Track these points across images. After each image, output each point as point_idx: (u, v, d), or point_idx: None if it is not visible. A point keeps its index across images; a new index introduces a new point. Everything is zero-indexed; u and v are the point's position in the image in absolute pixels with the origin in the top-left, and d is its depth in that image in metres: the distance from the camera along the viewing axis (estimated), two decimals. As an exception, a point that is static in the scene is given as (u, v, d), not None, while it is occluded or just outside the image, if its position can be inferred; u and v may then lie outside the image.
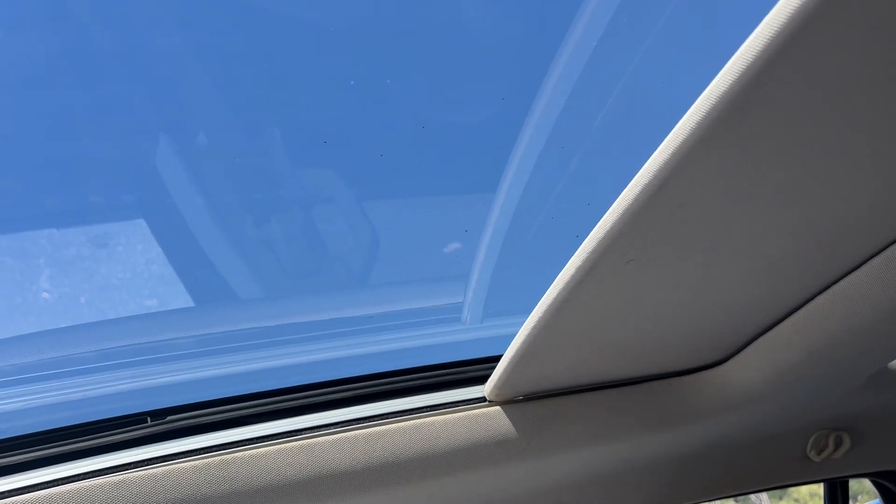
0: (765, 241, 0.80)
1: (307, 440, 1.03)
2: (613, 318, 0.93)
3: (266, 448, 1.02)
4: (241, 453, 1.01)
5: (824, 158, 0.67)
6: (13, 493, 0.95)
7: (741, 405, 1.14)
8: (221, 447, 1.03)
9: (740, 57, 0.54)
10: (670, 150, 0.63)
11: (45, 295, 1.24)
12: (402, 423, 1.06)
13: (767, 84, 0.55)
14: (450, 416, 1.08)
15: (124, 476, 0.97)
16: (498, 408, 1.09)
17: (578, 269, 0.78)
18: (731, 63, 0.55)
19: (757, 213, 0.74)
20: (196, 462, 1.00)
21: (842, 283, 0.91)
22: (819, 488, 1.62)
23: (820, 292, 0.94)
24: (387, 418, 1.07)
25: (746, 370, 1.09)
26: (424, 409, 1.09)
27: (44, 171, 1.19)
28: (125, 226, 1.27)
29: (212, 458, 1.00)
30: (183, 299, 1.34)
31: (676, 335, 1.03)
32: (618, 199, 0.70)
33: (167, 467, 0.99)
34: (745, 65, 0.54)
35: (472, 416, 1.08)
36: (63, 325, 1.29)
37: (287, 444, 1.02)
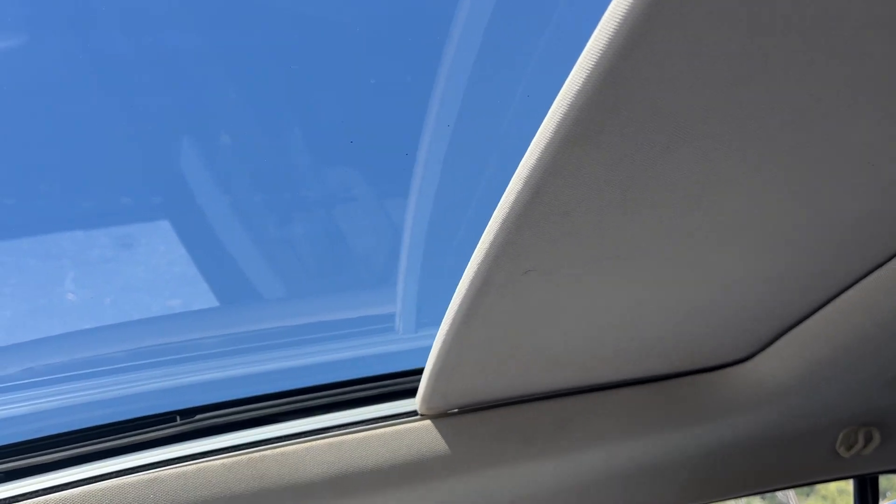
0: (699, 248, 0.79)
1: (333, 438, 1.04)
2: (545, 328, 0.90)
3: (295, 446, 1.03)
4: (270, 451, 1.02)
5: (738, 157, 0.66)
6: (51, 490, 0.97)
7: (769, 401, 1.14)
8: (250, 445, 1.04)
9: (589, 52, 0.52)
10: (536, 156, 0.61)
11: (71, 296, 1.26)
12: (330, 440, 1.04)
13: (628, 83, 0.53)
14: (380, 430, 1.05)
15: (157, 473, 0.99)
16: (429, 422, 1.06)
17: (473, 282, 0.76)
18: (582, 58, 0.53)
19: (673, 219, 0.72)
20: (225, 460, 1.01)
21: (870, 277, 0.91)
22: (848, 485, 1.61)
23: (848, 287, 0.94)
24: (316, 434, 1.05)
25: (774, 366, 1.09)
26: (352, 425, 1.07)
27: (68, 174, 1.20)
28: (149, 227, 1.29)
29: (241, 456, 1.01)
30: (207, 299, 1.36)
31: (692, 333, 1.02)
32: (496, 210, 0.68)
33: (197, 465, 1.00)
34: (595, 60, 0.51)
35: (403, 430, 1.05)
36: (91, 326, 1.31)
37: (316, 442, 1.03)
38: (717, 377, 1.14)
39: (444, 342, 0.88)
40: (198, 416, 1.10)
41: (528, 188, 0.63)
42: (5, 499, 0.97)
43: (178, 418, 1.09)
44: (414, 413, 1.07)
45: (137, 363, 1.26)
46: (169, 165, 1.22)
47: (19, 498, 0.97)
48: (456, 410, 1.08)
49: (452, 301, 0.82)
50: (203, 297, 1.36)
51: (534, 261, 0.74)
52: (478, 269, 0.74)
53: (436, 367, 0.94)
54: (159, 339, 1.29)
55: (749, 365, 1.12)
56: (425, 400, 1.03)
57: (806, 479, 1.36)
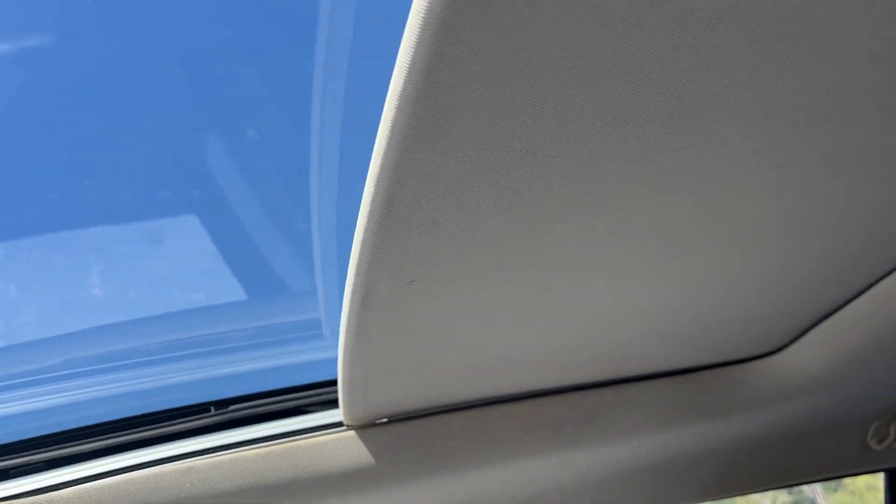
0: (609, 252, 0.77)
1: (260, 449, 1.04)
2: (460, 338, 0.89)
3: (328, 436, 1.04)
4: (303, 441, 1.03)
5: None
6: (90, 478, 1.00)
7: (799, 393, 1.13)
8: (284, 435, 1.05)
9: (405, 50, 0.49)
10: (379, 162, 0.58)
11: (97, 291, 1.28)
12: (258, 451, 1.03)
13: (450, 83, 0.51)
14: (305, 441, 1.04)
15: (192, 463, 1.01)
16: (353, 433, 1.05)
17: (354, 294, 0.74)
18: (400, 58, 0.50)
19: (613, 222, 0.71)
20: (259, 450, 1.03)
21: (904, 267, 0.90)
22: (876, 480, 1.59)
23: (880, 279, 0.93)
24: (239, 447, 1.04)
25: (805, 358, 1.08)
26: (278, 437, 1.05)
27: (96, 170, 1.22)
28: (176, 221, 1.30)
29: (275, 447, 1.03)
30: (235, 293, 1.37)
31: (721, 326, 1.02)
32: (358, 218, 0.66)
33: (233, 455, 1.02)
34: (410, 56, 0.48)
35: (329, 441, 1.04)
36: (124, 320, 1.33)
37: (346, 433, 1.05)
38: (747, 369, 1.14)
39: (344, 354, 0.86)
40: (231, 407, 1.11)
41: (380, 196, 0.61)
42: (48, 486, 1.00)
43: (212, 409, 1.11)
44: (340, 424, 1.06)
45: (173, 354, 1.27)
46: (201, 161, 1.24)
47: (61, 486, 0.99)
48: (385, 420, 1.06)
49: (342, 313, 0.80)
50: (232, 291, 1.37)
51: (415, 271, 0.72)
52: (355, 281, 0.72)
53: (344, 379, 0.92)
54: (195, 332, 1.31)
55: (779, 357, 1.12)
56: (346, 411, 1.01)
57: (836, 473, 1.36)
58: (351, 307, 0.76)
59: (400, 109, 0.52)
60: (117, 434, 1.06)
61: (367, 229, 0.65)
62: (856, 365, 1.06)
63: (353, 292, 0.74)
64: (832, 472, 1.34)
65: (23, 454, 1.04)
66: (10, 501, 0.98)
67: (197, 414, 1.11)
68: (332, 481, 1.02)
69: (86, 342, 1.29)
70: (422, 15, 0.46)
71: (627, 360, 1.08)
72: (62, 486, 1.00)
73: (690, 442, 1.17)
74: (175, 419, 1.09)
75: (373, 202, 0.62)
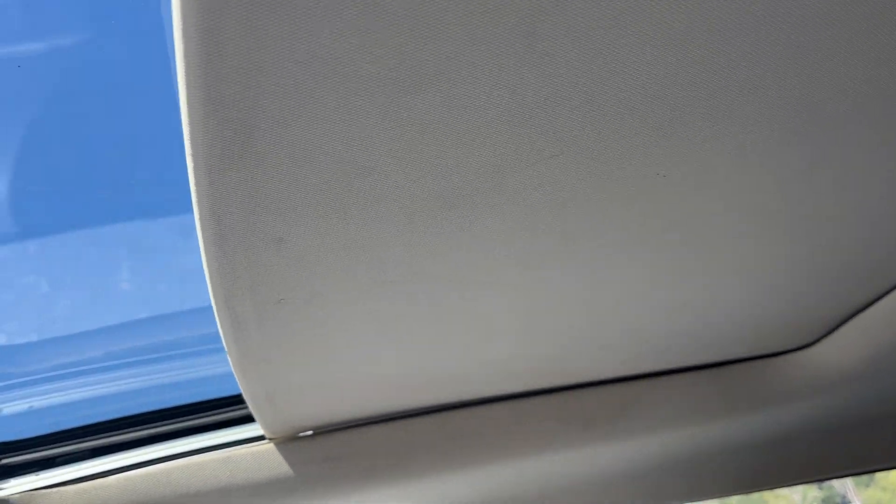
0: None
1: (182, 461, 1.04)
2: (353, 354, 0.88)
3: (249, 449, 1.05)
4: (226, 454, 1.04)
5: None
6: (134, 466, 1.02)
7: (832, 387, 1.12)
8: (209, 448, 1.07)
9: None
10: (193, 181, 0.57)
11: (125, 286, 1.30)
12: (178, 462, 1.04)
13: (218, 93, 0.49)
14: (227, 454, 1.04)
15: (230, 452, 1.03)
16: (272, 445, 1.05)
17: (221, 314, 0.74)
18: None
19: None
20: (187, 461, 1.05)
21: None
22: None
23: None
24: (164, 461, 1.05)
25: (839, 351, 1.08)
26: (202, 451, 1.06)
27: (122, 166, 1.23)
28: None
29: (199, 458, 1.05)
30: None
31: (754, 320, 1.01)
32: (198, 236, 0.65)
33: (267, 445, 1.04)
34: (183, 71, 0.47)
35: (249, 454, 1.04)
36: (160, 314, 1.35)
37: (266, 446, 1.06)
38: (780, 363, 1.14)
39: (237, 375, 0.86)
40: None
41: (206, 215, 0.60)
42: (93, 474, 1.02)
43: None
44: (262, 437, 1.07)
45: (210, 347, 1.29)
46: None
47: (106, 473, 1.02)
48: (310, 433, 1.06)
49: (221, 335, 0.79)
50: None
51: (276, 290, 0.71)
52: (216, 301, 0.71)
53: (246, 397, 0.92)
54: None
55: (812, 351, 1.11)
56: (263, 426, 1.01)
57: (869, 467, 1.35)
58: (224, 329, 0.76)
59: (193, 127, 0.51)
60: (160, 424, 1.09)
61: (206, 250, 0.64)
62: (890, 359, 1.05)
63: (219, 313, 0.73)
64: (864, 466, 1.33)
65: (68, 443, 1.07)
66: (57, 488, 1.01)
67: (234, 405, 1.13)
68: (251, 493, 1.02)
69: (123, 334, 1.31)
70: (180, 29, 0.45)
71: (658, 354, 1.08)
72: (107, 473, 1.03)
73: (721, 436, 1.17)
74: (213, 410, 1.11)
75: (202, 221, 0.61)
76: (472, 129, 0.58)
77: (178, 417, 1.09)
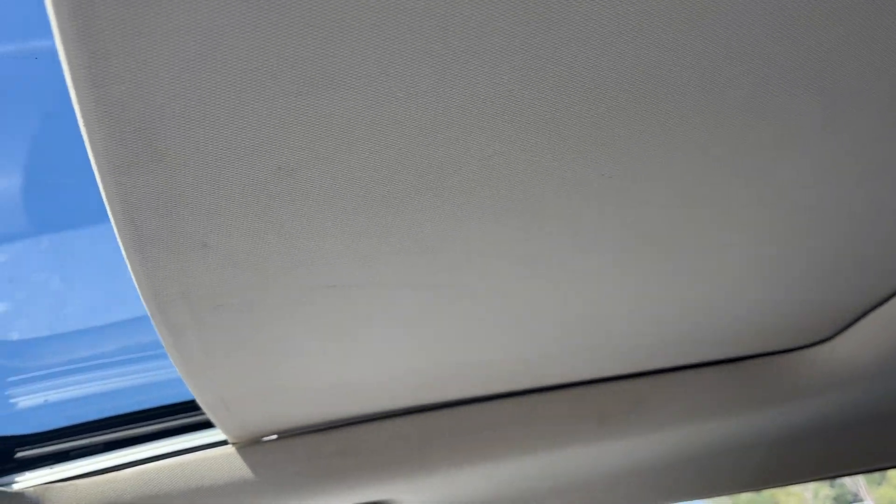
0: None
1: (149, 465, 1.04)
2: (306, 360, 0.87)
3: (214, 452, 1.05)
4: (191, 457, 1.04)
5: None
6: (148, 460, 1.03)
7: (848, 383, 1.12)
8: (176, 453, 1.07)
9: None
10: (102, 185, 0.55)
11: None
12: (145, 467, 1.03)
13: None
14: (189, 458, 1.04)
15: (193, 456, 1.04)
16: (233, 449, 1.05)
17: (159, 320, 0.73)
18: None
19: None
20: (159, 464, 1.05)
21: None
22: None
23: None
24: (178, 455, 1.05)
25: (855, 347, 1.07)
26: (163, 456, 1.05)
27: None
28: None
29: (165, 462, 1.05)
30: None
31: (770, 315, 1.00)
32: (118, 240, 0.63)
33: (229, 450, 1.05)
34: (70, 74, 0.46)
35: (213, 457, 1.04)
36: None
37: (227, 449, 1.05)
38: (794, 359, 1.13)
39: (186, 381, 0.85)
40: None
41: (120, 219, 0.59)
42: (115, 466, 1.03)
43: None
44: (225, 442, 1.06)
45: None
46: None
47: (123, 466, 1.03)
48: (274, 437, 1.06)
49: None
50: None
51: (212, 296, 0.70)
52: (149, 308, 0.70)
53: (199, 402, 0.91)
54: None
55: (829, 346, 1.11)
56: (224, 430, 1.01)
57: (882, 465, 1.34)
58: (162, 335, 0.75)
59: (90, 127, 0.50)
60: (175, 418, 1.09)
61: (127, 255, 0.63)
62: (907, 354, 1.05)
63: (154, 319, 0.72)
64: (878, 464, 1.33)
65: (83, 437, 1.08)
66: (72, 482, 1.01)
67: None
68: (215, 497, 1.02)
69: (138, 328, 1.31)
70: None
71: (672, 350, 1.07)
72: (121, 467, 1.03)
73: (735, 432, 1.17)
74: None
75: (117, 225, 0.60)
76: (400, 128, 0.57)
77: (195, 411, 1.10)
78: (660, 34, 0.53)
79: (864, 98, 0.61)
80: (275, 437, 1.06)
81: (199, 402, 0.91)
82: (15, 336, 1.22)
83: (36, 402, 1.17)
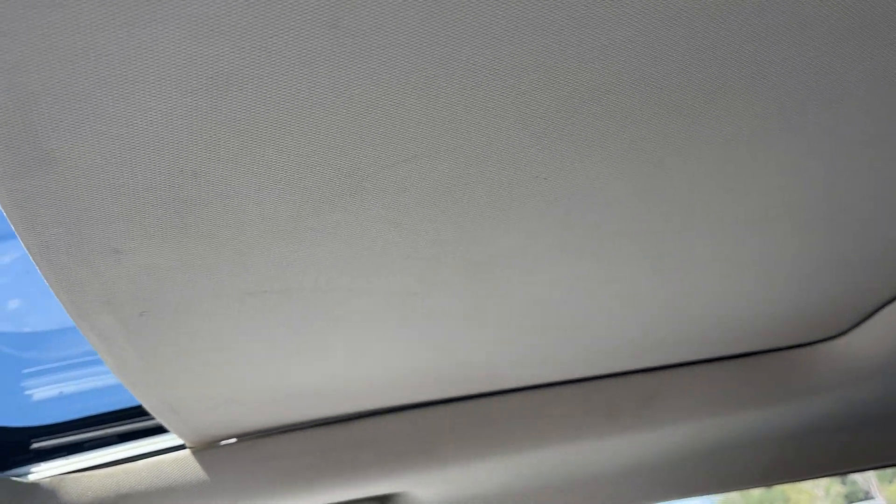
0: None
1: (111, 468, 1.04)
2: (248, 366, 0.86)
3: (169, 455, 1.05)
4: (146, 461, 1.04)
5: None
6: (162, 451, 1.04)
7: (861, 379, 1.11)
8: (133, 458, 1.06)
9: None
10: None
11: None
12: (108, 470, 1.03)
13: None
14: (148, 461, 1.04)
15: (156, 459, 1.04)
16: (188, 452, 1.04)
17: (86, 329, 0.72)
18: None
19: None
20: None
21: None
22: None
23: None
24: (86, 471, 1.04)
25: (870, 341, 1.06)
26: (176, 448, 1.05)
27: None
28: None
29: (121, 465, 1.04)
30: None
31: (784, 309, 1.00)
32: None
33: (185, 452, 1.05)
34: None
35: (169, 460, 1.03)
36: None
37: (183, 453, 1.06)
38: (808, 353, 1.12)
39: (124, 384, 0.84)
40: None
41: (19, 225, 0.57)
42: (129, 457, 1.04)
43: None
44: (183, 446, 1.06)
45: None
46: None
47: (137, 457, 1.04)
48: (233, 440, 1.05)
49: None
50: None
51: (134, 303, 0.69)
52: (71, 314, 0.69)
53: (146, 405, 0.91)
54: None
55: (843, 341, 1.10)
56: (178, 434, 1.00)
57: (895, 461, 1.33)
58: (92, 342, 0.74)
59: None
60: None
61: (36, 262, 0.61)
62: (922, 350, 1.04)
63: (80, 327, 0.71)
64: (890, 460, 1.32)
65: (97, 428, 1.09)
66: (86, 472, 1.02)
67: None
68: (170, 499, 1.02)
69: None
70: None
71: (684, 345, 1.07)
72: (135, 458, 1.04)
73: (747, 427, 1.16)
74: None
75: (18, 232, 0.58)
76: (306, 131, 0.55)
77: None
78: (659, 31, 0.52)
79: (874, 95, 0.61)
80: (233, 440, 1.05)
81: (146, 407, 0.90)
82: (30, 328, 1.23)
83: (51, 394, 1.18)
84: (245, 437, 1.04)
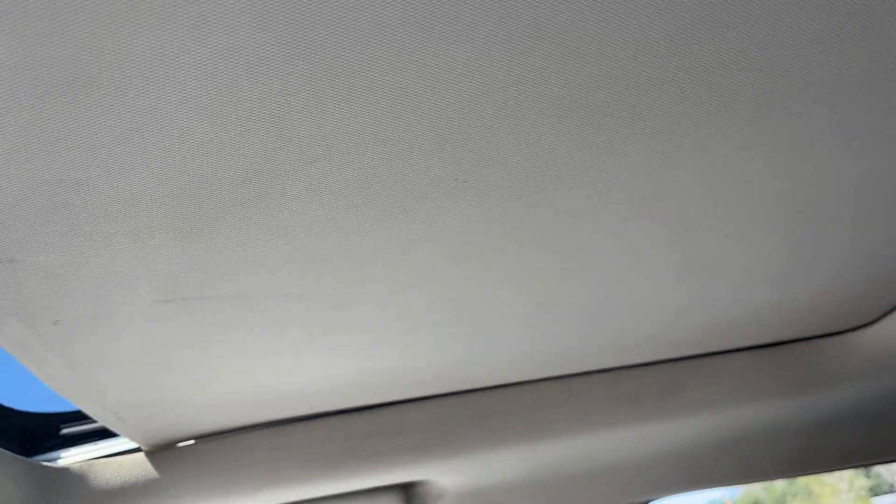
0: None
1: None
2: (196, 372, 0.85)
3: (123, 457, 1.05)
4: (102, 461, 1.04)
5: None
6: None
7: (888, 368, 1.10)
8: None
9: None
10: None
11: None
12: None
13: None
14: (104, 461, 1.03)
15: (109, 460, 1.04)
16: (143, 455, 1.03)
17: (2, 343, 0.70)
18: None
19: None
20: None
21: None
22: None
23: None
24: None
25: (899, 331, 1.05)
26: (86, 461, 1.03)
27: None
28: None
29: (76, 465, 1.04)
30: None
31: (811, 298, 0.99)
32: None
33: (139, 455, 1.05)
34: None
35: (122, 462, 1.03)
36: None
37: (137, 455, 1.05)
38: (838, 342, 1.11)
39: (59, 393, 0.83)
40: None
41: None
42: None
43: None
44: (139, 449, 1.05)
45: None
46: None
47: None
48: (191, 442, 1.04)
49: None
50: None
51: (43, 312, 0.67)
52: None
53: (87, 411, 0.89)
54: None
55: (869, 331, 1.09)
56: (128, 437, 0.99)
57: (922, 453, 1.32)
58: (11, 352, 0.73)
59: None
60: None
61: None
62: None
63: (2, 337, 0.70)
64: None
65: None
66: (116, 458, 1.03)
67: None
68: (126, 501, 1.01)
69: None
70: None
71: (711, 335, 1.06)
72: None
73: (772, 417, 1.16)
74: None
75: None
76: (197, 133, 0.52)
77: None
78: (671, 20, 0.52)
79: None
80: (191, 441, 1.04)
81: (88, 413, 0.89)
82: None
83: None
84: (205, 437, 1.05)
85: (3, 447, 0.94)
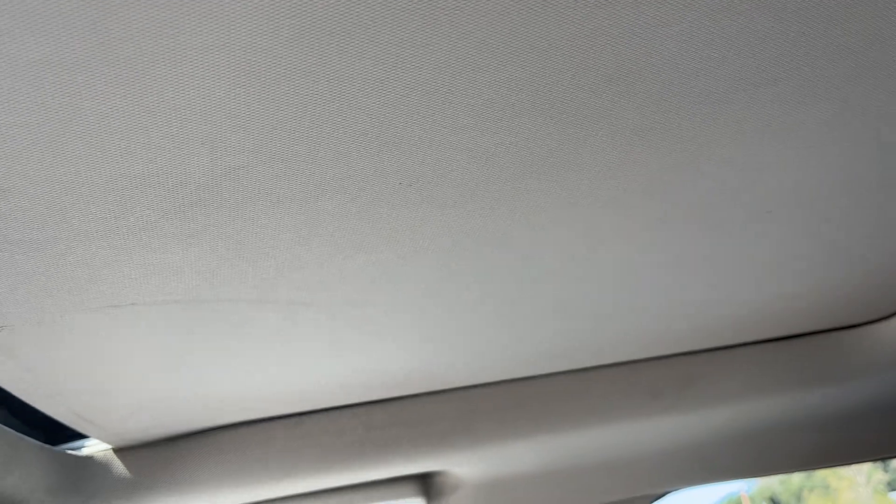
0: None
1: None
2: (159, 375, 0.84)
3: (97, 455, 1.07)
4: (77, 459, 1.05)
5: None
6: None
7: (907, 361, 1.10)
8: None
9: None
10: None
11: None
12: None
13: None
14: (126, 450, 1.04)
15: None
16: (111, 453, 1.04)
17: None
18: None
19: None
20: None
21: None
22: None
23: None
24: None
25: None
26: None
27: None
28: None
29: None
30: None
31: (830, 291, 0.99)
32: None
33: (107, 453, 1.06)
34: None
35: (145, 450, 1.04)
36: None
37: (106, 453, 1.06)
38: (856, 335, 1.11)
39: (21, 397, 0.83)
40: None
41: None
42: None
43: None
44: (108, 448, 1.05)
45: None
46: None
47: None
48: (160, 439, 1.05)
49: None
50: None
51: (1, 318, 0.66)
52: None
53: (51, 413, 0.89)
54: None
55: (889, 323, 1.08)
56: (96, 437, 0.99)
57: (941, 447, 1.31)
58: None
59: None
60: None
61: None
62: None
63: None
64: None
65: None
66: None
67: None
68: (147, 488, 1.02)
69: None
70: None
71: (729, 328, 1.06)
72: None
73: (790, 409, 1.15)
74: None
75: None
76: (146, 129, 0.51)
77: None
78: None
79: None
80: (161, 439, 1.05)
81: (52, 415, 0.89)
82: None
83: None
84: (169, 437, 1.05)
85: (29, 435, 0.95)
